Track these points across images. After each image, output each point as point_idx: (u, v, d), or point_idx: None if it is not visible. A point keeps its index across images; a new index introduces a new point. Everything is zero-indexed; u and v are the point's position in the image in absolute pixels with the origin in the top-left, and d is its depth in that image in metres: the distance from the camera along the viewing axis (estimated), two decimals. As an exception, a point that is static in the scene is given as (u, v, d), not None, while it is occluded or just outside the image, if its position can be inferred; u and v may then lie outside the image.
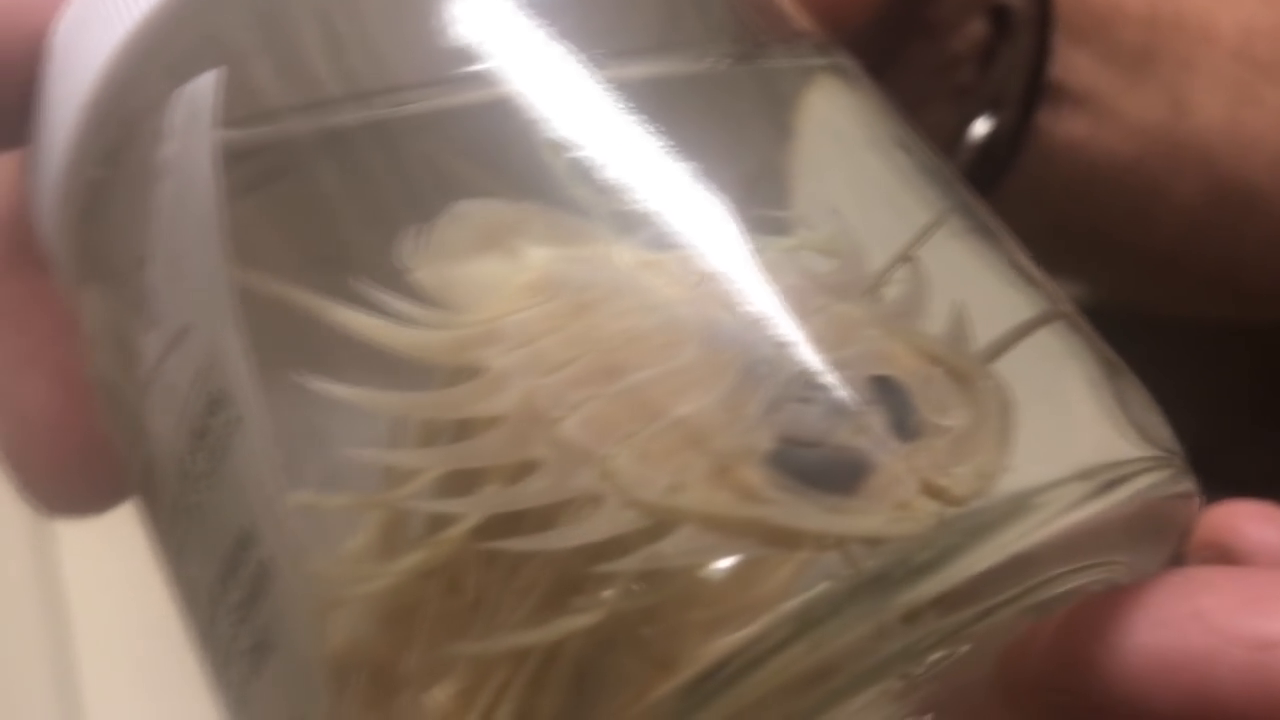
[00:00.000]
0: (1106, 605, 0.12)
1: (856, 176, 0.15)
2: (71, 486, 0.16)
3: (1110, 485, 0.12)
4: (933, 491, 0.11)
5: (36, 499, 0.16)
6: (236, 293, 0.13)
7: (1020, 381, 0.13)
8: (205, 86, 0.14)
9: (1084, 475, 0.12)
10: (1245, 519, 0.17)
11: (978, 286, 0.14)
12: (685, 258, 0.13)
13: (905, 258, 0.13)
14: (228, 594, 0.13)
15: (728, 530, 0.11)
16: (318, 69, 0.14)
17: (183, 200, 0.13)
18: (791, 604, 0.11)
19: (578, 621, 0.11)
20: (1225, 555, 0.17)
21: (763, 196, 0.14)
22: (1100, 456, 0.12)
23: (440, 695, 0.12)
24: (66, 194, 0.15)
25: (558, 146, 0.13)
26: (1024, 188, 0.22)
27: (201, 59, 0.14)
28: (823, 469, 0.11)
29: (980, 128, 0.22)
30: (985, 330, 0.13)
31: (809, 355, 0.12)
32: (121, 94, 0.14)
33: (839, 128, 0.16)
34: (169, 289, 0.13)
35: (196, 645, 0.13)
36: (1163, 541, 0.14)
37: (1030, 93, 0.22)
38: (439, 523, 0.12)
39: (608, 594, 0.11)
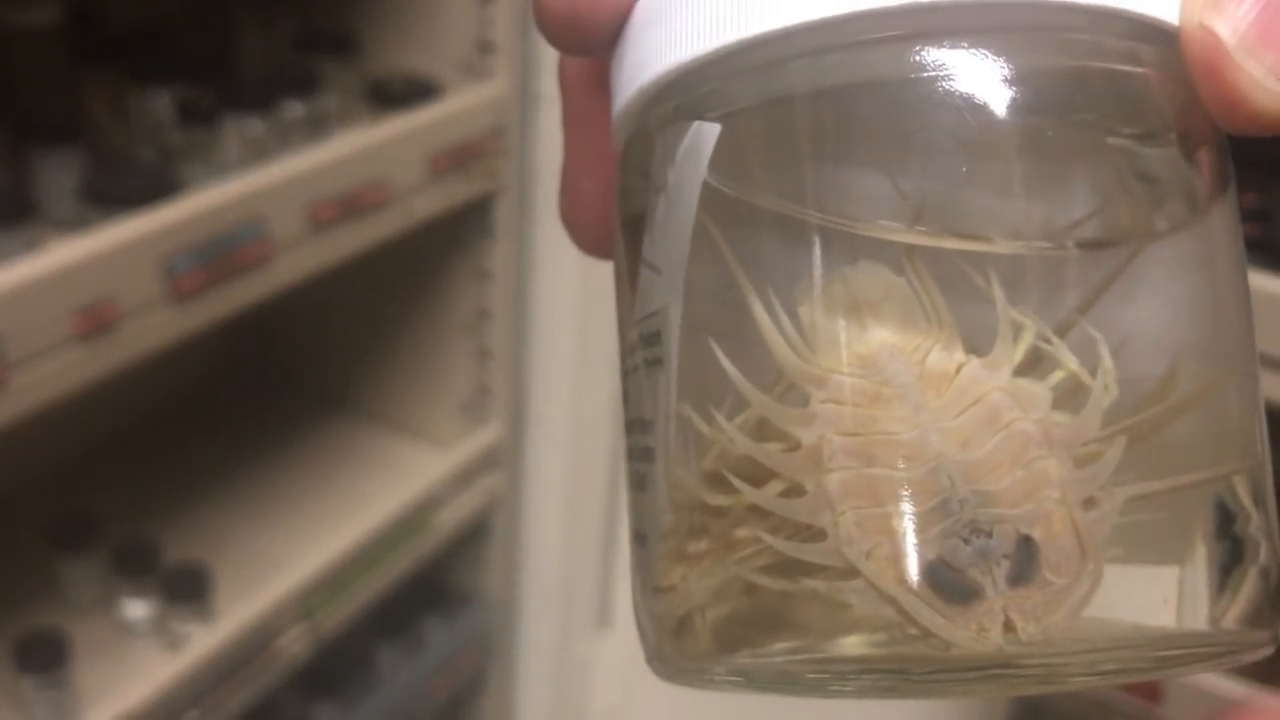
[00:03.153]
0: None
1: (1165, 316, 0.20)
2: (590, 237, 0.25)
3: (1154, 661, 0.18)
4: (1008, 627, 0.18)
5: (575, 239, 0.25)
6: (686, 283, 0.20)
7: (1142, 541, 0.19)
8: (709, 133, 0.20)
9: (1130, 645, 0.18)
10: None
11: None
12: (961, 386, 0.19)
13: (1124, 430, 0.19)
14: (631, 436, 0.22)
15: (878, 595, 0.18)
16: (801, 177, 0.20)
17: (672, 213, 0.20)
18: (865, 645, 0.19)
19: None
20: None
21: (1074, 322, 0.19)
22: (1156, 626, 0.19)
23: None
24: (620, 114, 0.22)
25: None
26: None
27: (722, 104, 0.20)
28: (950, 586, 0.18)
29: None
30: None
31: (987, 511, 0.18)
32: (659, 93, 0.21)
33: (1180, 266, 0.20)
34: (660, 244, 0.21)
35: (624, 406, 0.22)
36: None
37: None
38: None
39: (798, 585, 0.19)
